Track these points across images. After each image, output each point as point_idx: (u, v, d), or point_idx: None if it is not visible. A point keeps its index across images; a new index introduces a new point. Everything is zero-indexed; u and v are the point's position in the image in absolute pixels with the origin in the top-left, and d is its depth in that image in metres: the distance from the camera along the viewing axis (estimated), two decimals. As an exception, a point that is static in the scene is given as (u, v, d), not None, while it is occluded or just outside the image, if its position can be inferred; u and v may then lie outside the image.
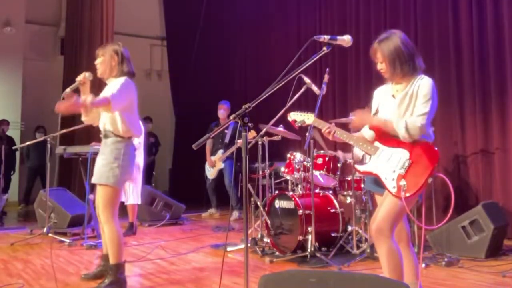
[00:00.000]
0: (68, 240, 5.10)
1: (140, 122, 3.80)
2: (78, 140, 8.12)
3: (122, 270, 3.36)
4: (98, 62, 3.50)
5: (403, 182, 2.44)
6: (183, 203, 6.93)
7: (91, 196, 5.18)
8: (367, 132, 2.73)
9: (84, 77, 3.47)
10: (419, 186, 2.41)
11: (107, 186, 3.33)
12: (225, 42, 10.02)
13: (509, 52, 5.05)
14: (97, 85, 3.65)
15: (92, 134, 8.09)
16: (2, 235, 5.83)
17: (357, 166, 2.76)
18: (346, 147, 5.12)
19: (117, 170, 3.32)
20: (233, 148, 6.82)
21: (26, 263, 4.27)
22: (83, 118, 3.62)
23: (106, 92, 3.41)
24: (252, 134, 4.95)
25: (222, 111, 7.38)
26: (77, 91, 3.51)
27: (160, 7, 12.18)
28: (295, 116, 2.93)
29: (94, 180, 3.41)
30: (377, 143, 2.61)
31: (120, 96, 3.30)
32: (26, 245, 5.10)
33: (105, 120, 3.44)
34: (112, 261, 3.33)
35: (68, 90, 3.50)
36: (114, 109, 3.28)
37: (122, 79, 3.41)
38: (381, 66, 2.60)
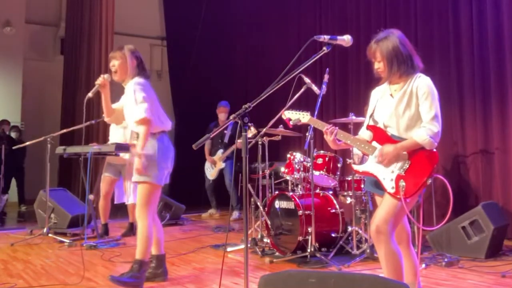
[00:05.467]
0: (68, 241, 5.09)
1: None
2: (77, 140, 8.12)
3: (146, 268, 3.43)
4: (114, 65, 3.52)
5: (402, 183, 2.43)
6: (183, 204, 6.93)
7: (91, 196, 5.19)
8: (365, 132, 2.72)
9: (103, 79, 3.52)
10: (418, 187, 2.41)
11: (146, 183, 3.38)
12: (225, 42, 10.02)
13: (509, 52, 5.04)
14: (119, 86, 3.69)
15: (91, 135, 8.11)
16: (2, 236, 5.83)
17: (354, 166, 2.75)
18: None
19: (154, 167, 3.37)
20: (233, 147, 6.82)
21: (26, 263, 4.27)
22: (105, 119, 3.67)
23: (127, 103, 3.46)
24: (252, 131, 4.94)
25: (223, 114, 7.39)
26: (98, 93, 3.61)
27: (160, 7, 12.17)
28: (290, 115, 2.91)
29: (134, 178, 3.44)
30: (374, 143, 2.61)
31: (148, 106, 3.38)
32: (26, 246, 5.10)
33: (134, 126, 3.50)
34: (138, 256, 3.39)
35: (90, 94, 3.60)
36: (152, 119, 3.39)
37: (133, 85, 3.44)
38: (379, 65, 2.59)
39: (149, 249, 3.45)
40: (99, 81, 3.51)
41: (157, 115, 3.49)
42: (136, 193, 5.55)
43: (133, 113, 3.42)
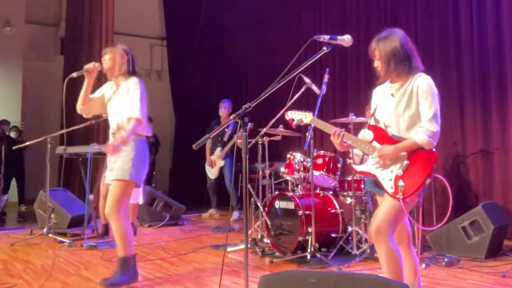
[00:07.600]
0: (68, 241, 5.09)
1: None
2: (78, 140, 8.12)
3: (132, 262, 3.44)
4: (105, 60, 3.62)
5: (401, 183, 2.43)
6: (183, 204, 6.93)
7: (91, 196, 5.18)
8: (366, 132, 2.72)
9: (94, 65, 3.58)
10: (417, 187, 2.41)
11: (123, 181, 3.38)
12: (225, 42, 10.02)
13: (509, 52, 5.04)
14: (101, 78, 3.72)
15: (91, 135, 8.10)
16: (2, 236, 5.83)
17: (354, 166, 2.75)
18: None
19: (133, 166, 3.39)
20: (231, 143, 6.81)
21: (26, 263, 4.27)
22: (78, 107, 3.65)
23: (121, 97, 3.53)
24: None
25: (223, 109, 7.38)
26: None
27: (160, 7, 12.17)
28: (293, 115, 2.92)
29: (115, 176, 3.40)
30: (375, 143, 2.61)
31: (143, 107, 3.47)
32: (26, 246, 5.10)
33: (122, 120, 3.50)
34: (120, 253, 3.41)
35: (74, 74, 3.62)
36: (144, 121, 3.48)
37: (135, 83, 3.51)
38: (378, 64, 2.60)
39: (130, 243, 3.43)
40: (88, 66, 3.58)
41: (145, 120, 3.55)
42: (135, 192, 5.59)
43: (127, 108, 3.45)
